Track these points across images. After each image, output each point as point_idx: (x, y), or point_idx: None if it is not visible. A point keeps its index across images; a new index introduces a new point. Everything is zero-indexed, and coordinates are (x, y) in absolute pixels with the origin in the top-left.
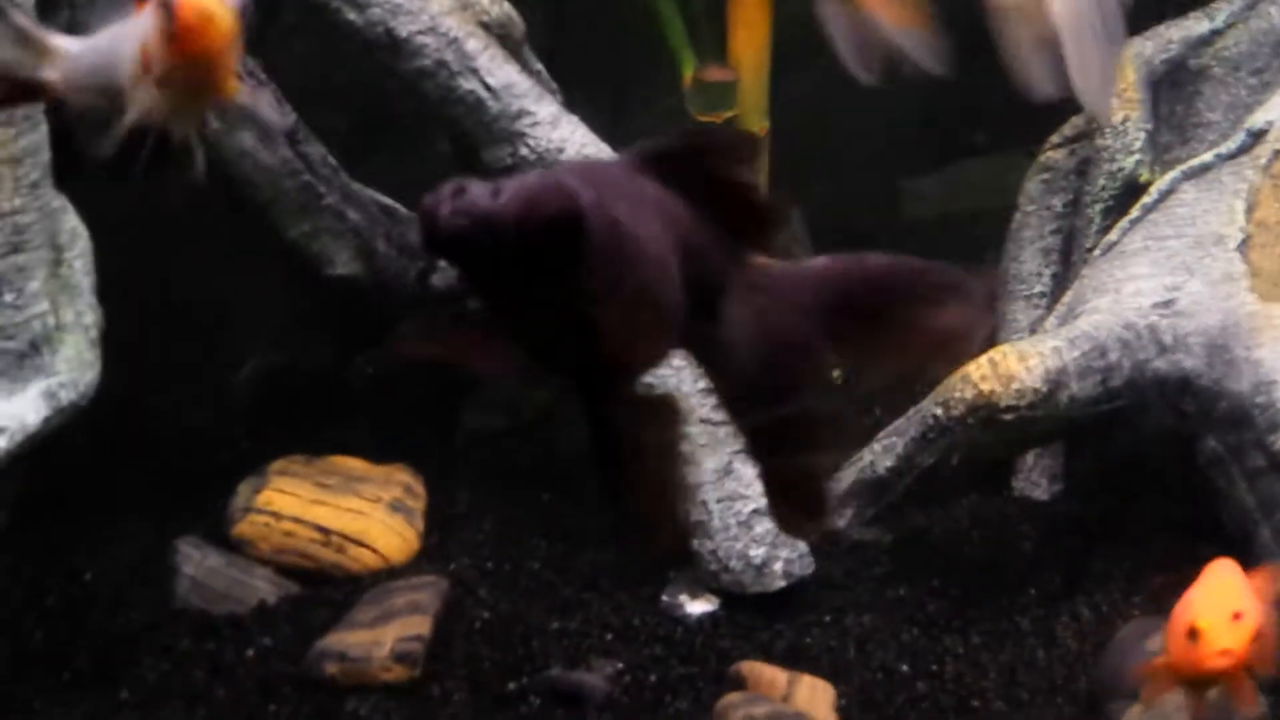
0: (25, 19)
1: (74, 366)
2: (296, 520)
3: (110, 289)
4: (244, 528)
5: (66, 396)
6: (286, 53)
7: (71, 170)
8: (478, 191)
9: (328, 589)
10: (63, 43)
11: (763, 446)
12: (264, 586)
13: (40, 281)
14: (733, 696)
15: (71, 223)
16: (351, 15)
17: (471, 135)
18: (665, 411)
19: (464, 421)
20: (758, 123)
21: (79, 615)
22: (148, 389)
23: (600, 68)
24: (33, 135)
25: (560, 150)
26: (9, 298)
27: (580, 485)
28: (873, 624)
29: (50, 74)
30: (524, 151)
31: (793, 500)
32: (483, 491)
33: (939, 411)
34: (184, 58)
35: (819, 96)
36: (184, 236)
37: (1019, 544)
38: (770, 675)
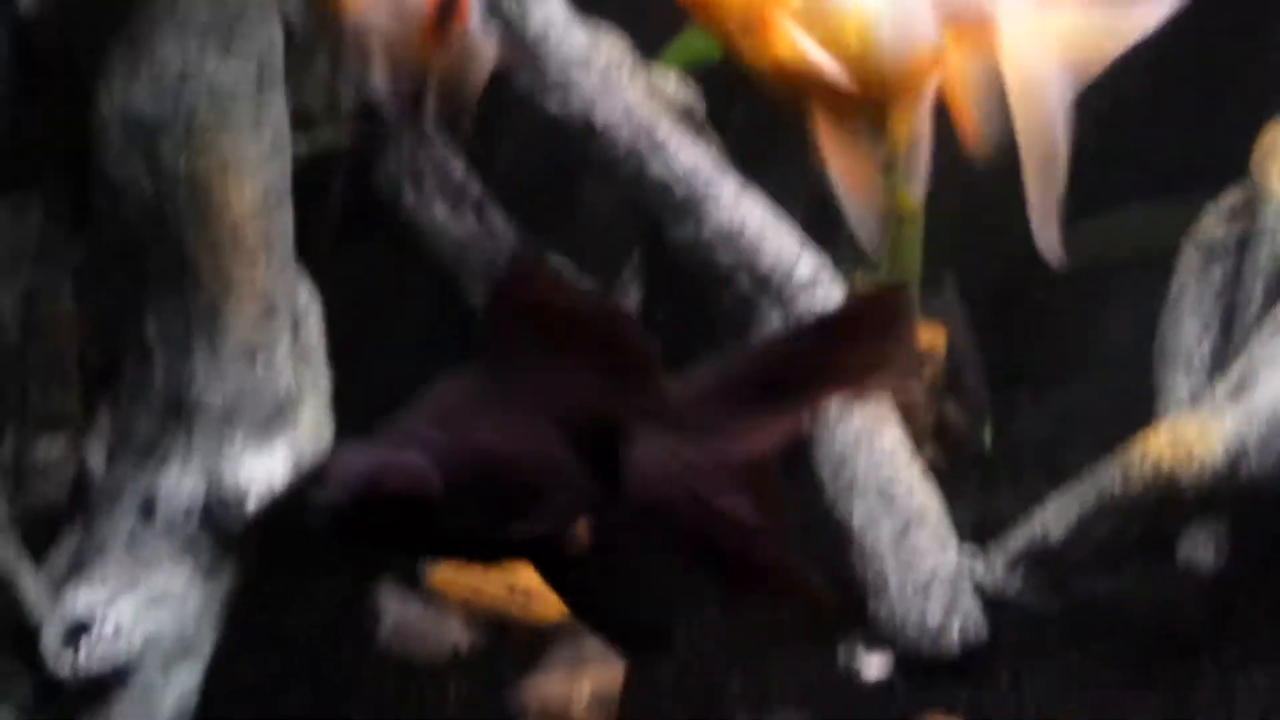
0: None
1: (312, 429)
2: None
3: None
4: (436, 576)
5: (308, 458)
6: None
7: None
8: (330, 480)
9: (516, 636)
10: None
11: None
12: (458, 633)
13: (284, 349)
14: None
15: (306, 293)
16: (552, 106)
17: (658, 215)
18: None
19: None
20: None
21: (287, 660)
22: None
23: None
24: (283, 216)
25: (740, 229)
26: (260, 367)
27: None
28: (1049, 689)
29: None
30: (706, 231)
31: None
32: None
33: (1117, 485)
34: None
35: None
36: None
37: (1189, 612)
38: None
